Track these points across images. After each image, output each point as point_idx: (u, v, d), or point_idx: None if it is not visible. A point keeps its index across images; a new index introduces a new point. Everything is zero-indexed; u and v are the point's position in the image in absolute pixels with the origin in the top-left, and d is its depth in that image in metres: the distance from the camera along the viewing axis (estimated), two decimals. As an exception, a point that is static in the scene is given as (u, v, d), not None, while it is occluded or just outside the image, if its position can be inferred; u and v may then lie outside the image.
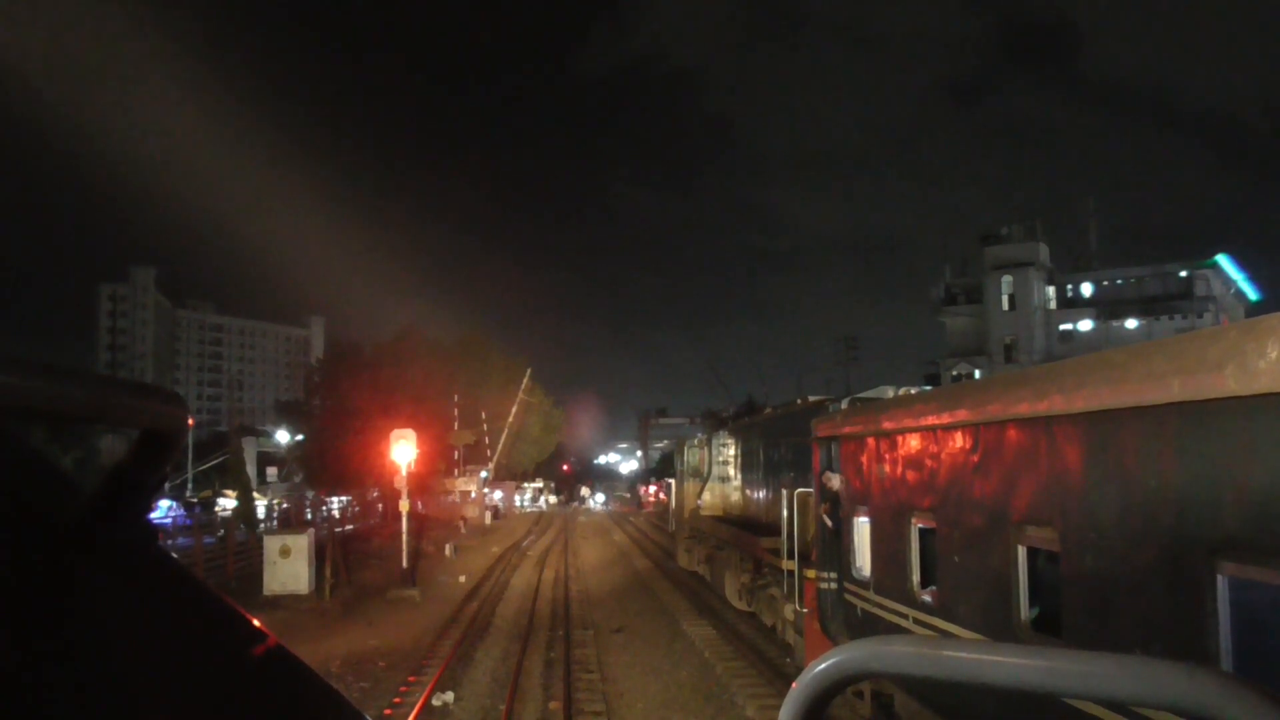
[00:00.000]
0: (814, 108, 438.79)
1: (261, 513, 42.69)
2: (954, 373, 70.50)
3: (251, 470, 64.63)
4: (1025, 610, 6.35)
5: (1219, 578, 4.26)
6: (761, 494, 20.53)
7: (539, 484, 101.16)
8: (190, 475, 63.59)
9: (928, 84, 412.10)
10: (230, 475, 55.67)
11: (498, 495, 72.90)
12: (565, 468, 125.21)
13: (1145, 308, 70.74)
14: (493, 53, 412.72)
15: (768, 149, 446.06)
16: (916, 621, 8.35)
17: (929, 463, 8.11)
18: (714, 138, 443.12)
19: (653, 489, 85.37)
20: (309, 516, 41.60)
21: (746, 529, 19.12)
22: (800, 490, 13.83)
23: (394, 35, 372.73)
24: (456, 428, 61.29)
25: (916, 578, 8.51)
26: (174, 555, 1.21)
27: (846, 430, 10.86)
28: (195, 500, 56.51)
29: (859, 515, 10.33)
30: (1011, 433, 6.51)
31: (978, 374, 66.07)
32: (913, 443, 8.55)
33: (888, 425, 9.33)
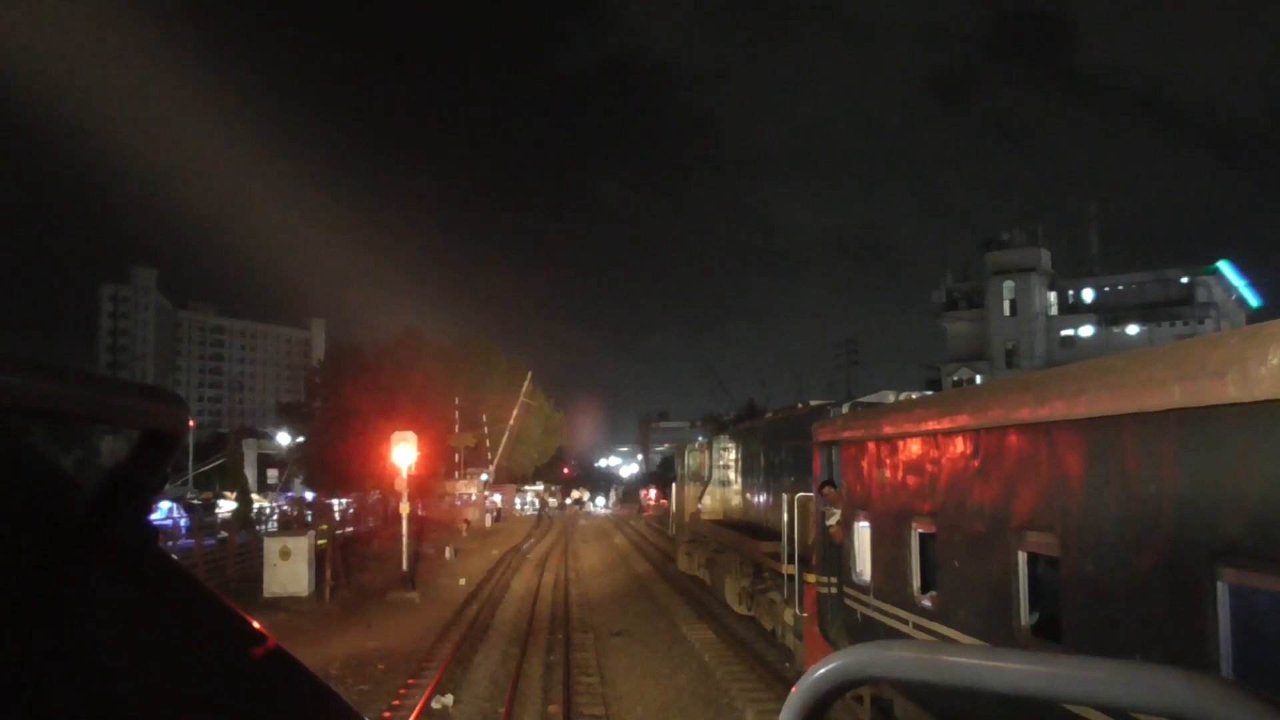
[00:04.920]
0: (803, 104, 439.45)
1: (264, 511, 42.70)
2: (955, 377, 70.49)
3: (252, 472, 64.69)
4: (1025, 616, 6.34)
5: (1219, 584, 4.26)
6: (762, 498, 20.52)
7: (539, 486, 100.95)
8: (190, 476, 63.59)
9: (920, 80, 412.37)
10: (229, 477, 55.75)
11: (498, 498, 72.86)
12: (566, 471, 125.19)
13: (1146, 314, 70.79)
14: (489, 54, 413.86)
15: (760, 149, 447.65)
16: (916, 626, 8.34)
17: (929, 468, 8.10)
18: (705, 138, 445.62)
19: (652, 493, 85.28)
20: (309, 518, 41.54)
21: (747, 533, 19.11)
22: (801, 494, 13.82)
23: (392, 39, 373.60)
24: (457, 430, 61.31)
25: (917, 583, 8.50)
26: (174, 556, 1.21)
27: (847, 435, 10.86)
28: (197, 502, 56.46)
29: (859, 520, 10.32)
30: (1012, 438, 6.50)
31: (979, 379, 66.06)
32: (913, 448, 8.54)
33: (888, 430, 9.33)
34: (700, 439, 33.75)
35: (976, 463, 7.08)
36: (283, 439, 74.45)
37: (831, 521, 11.33)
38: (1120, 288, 74.05)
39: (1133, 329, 70.17)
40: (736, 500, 24.10)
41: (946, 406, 8.45)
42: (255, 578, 24.54)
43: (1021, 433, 6.38)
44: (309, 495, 60.10)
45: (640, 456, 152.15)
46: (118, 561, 0.99)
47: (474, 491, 62.74)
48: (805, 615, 13.05)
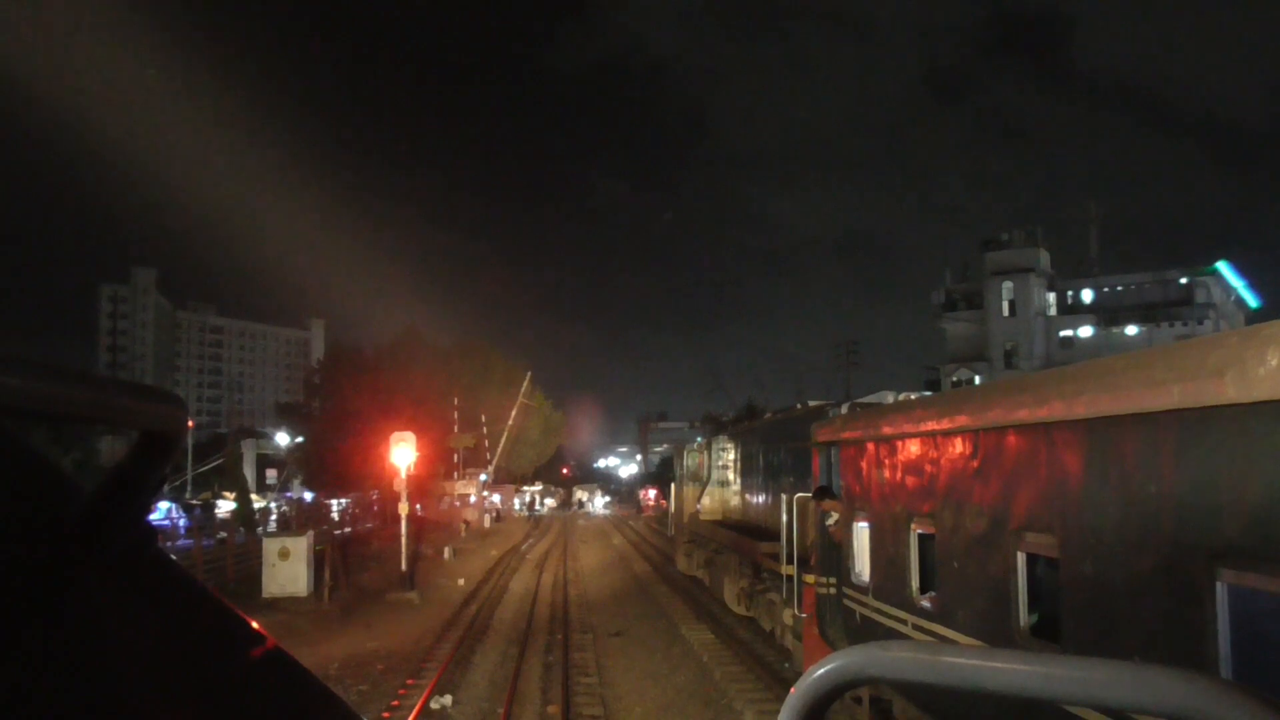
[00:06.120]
0: (801, 103, 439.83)
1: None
2: (954, 378, 70.50)
3: (251, 473, 64.61)
4: (1024, 616, 6.34)
5: (1218, 585, 4.26)
6: (761, 498, 20.51)
7: (538, 486, 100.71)
8: (190, 477, 63.55)
9: (918, 78, 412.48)
10: (228, 477, 55.67)
11: (496, 498, 72.81)
12: (565, 471, 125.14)
13: (1145, 314, 70.81)
14: (486, 53, 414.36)
15: (758, 147, 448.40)
16: (915, 627, 8.34)
17: (929, 468, 8.10)
18: (703, 137, 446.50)
19: (652, 494, 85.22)
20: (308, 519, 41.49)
21: (746, 533, 19.11)
22: (800, 495, 13.81)
23: (390, 39, 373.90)
24: (456, 430, 61.28)
25: (916, 583, 8.50)
26: (173, 557, 1.21)
27: (846, 435, 10.86)
28: (196, 502, 56.41)
29: (858, 520, 10.32)
30: (1011, 439, 6.50)
31: (978, 380, 66.06)
32: (912, 448, 8.54)
33: (887, 430, 9.33)
34: (699, 439, 33.73)
35: (975, 463, 7.08)
36: (282, 439, 74.45)
37: (831, 520, 11.34)
38: (1119, 288, 74.04)
39: (1132, 330, 70.19)
40: (735, 501, 24.09)
41: (945, 407, 8.45)
42: (254, 578, 24.53)
43: (1021, 433, 6.38)
44: (308, 496, 60.07)
45: (639, 457, 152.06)
46: (117, 562, 0.99)
47: (473, 492, 62.72)
48: (804, 616, 13.05)
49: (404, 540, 27.88)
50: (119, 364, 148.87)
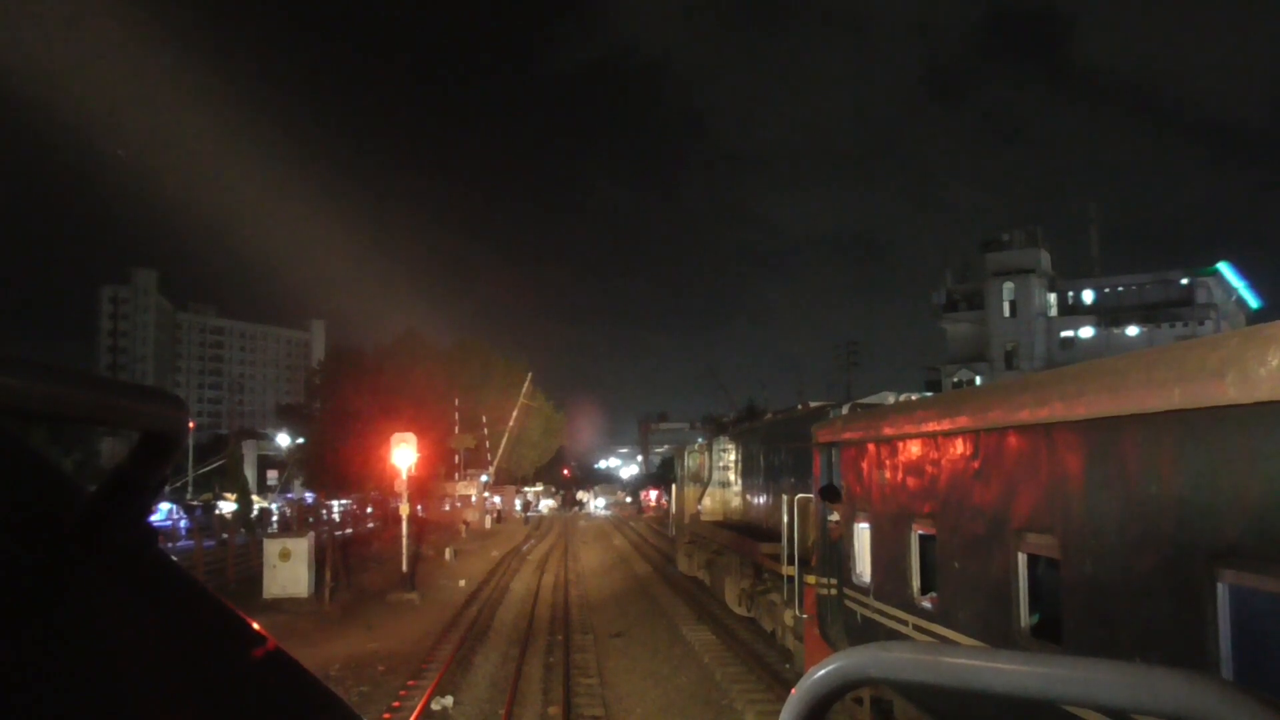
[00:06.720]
0: (799, 102, 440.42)
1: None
2: (955, 379, 70.53)
3: (251, 474, 64.71)
4: (1025, 617, 6.34)
5: (1219, 585, 4.25)
6: (762, 499, 20.51)
7: (539, 487, 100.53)
8: (190, 478, 63.60)
9: (916, 77, 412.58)
10: (229, 478, 55.74)
11: (497, 499, 72.81)
12: (565, 472, 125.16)
13: (1146, 315, 70.86)
14: (485, 54, 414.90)
15: (757, 147, 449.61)
16: (916, 627, 8.34)
17: (930, 469, 8.10)
18: (703, 137, 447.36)
19: (653, 494, 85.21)
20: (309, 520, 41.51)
21: (747, 534, 19.10)
22: (801, 495, 13.82)
23: (389, 40, 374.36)
24: (457, 431, 61.29)
25: (917, 584, 8.50)
26: (174, 558, 1.21)
27: (847, 436, 10.85)
28: (196, 503, 56.45)
29: (859, 521, 10.32)
30: (1012, 439, 6.50)
31: (979, 380, 66.06)
32: (913, 449, 8.54)
33: (888, 431, 9.33)
34: (700, 440, 33.75)
35: (976, 464, 7.07)
36: (282, 440, 74.58)
37: (833, 516, 11.35)
38: (1120, 289, 74.11)
39: (1133, 330, 70.24)
40: (736, 501, 24.08)
41: (946, 408, 8.45)
42: (255, 579, 24.54)
43: (1021, 434, 6.38)
44: (309, 496, 60.10)
45: (640, 458, 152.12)
46: (117, 563, 0.99)
47: (474, 493, 62.73)
48: (805, 616, 13.05)
49: (405, 541, 27.89)
50: (120, 365, 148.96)
